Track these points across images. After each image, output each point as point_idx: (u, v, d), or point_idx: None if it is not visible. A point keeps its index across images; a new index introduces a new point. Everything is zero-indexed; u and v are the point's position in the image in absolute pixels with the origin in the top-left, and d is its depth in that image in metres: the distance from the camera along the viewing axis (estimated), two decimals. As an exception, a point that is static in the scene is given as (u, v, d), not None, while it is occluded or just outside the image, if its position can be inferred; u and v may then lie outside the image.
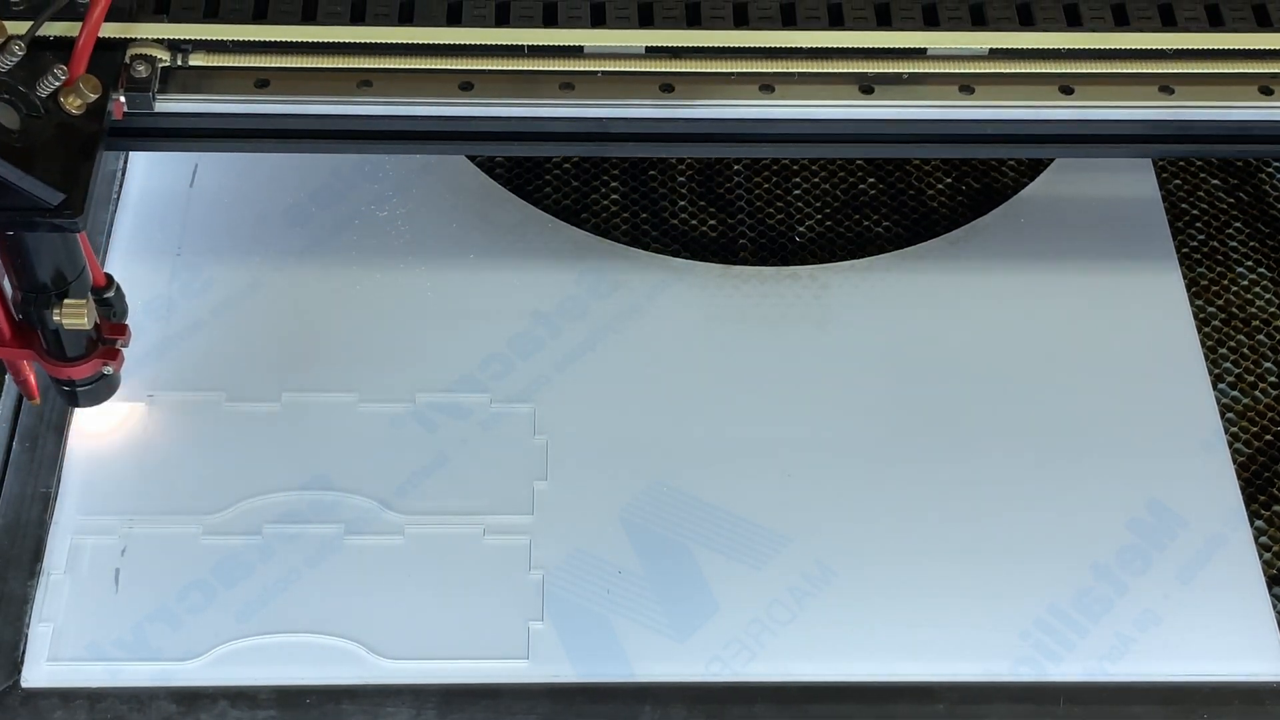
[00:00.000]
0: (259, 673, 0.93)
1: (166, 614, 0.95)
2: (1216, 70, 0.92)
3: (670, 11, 0.93)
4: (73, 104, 0.81)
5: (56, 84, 0.80)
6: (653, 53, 0.90)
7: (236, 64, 0.88)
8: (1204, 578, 0.98)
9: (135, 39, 0.87)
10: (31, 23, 0.83)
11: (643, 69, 0.90)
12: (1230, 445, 1.04)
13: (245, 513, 0.98)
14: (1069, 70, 0.91)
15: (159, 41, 0.87)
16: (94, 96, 0.81)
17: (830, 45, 0.91)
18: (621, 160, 1.18)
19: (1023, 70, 0.91)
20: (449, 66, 0.90)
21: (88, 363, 0.91)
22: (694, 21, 0.93)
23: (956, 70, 0.91)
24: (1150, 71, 0.91)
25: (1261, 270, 1.14)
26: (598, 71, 0.90)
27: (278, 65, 0.89)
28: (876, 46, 0.91)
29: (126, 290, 1.08)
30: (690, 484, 1.00)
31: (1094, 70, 0.91)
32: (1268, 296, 1.13)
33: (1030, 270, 1.11)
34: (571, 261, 1.11)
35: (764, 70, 0.90)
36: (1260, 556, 0.99)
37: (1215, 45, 0.92)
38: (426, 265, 1.10)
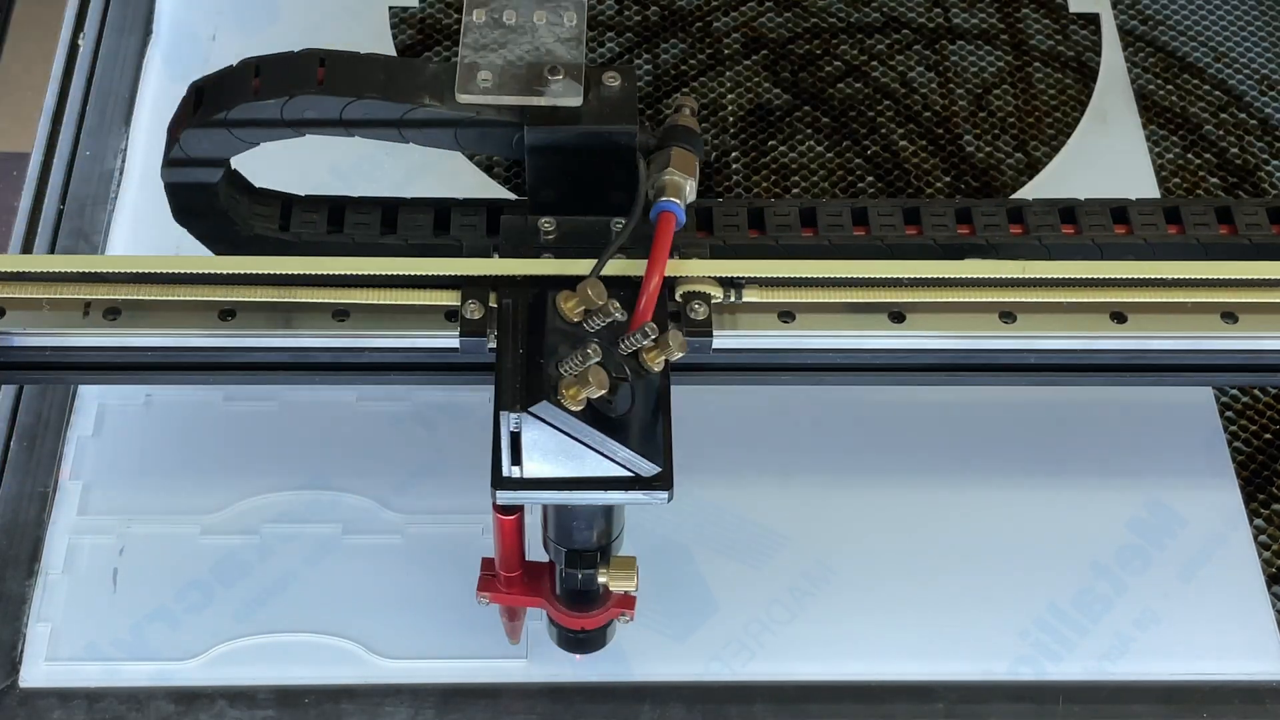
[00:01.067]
0: (257, 672, 0.93)
1: (165, 614, 0.94)
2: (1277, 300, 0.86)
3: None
4: (654, 360, 0.75)
5: (644, 342, 0.74)
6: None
7: (775, 299, 0.84)
8: (1204, 576, 0.98)
9: (683, 277, 0.83)
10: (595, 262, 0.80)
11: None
12: (1230, 444, 1.04)
13: (243, 512, 0.98)
14: (1123, 299, 0.86)
15: (713, 279, 0.84)
16: (680, 354, 0.75)
17: (857, 276, 0.86)
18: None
19: (1071, 300, 0.86)
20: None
21: (605, 612, 0.88)
22: (705, 228, 0.91)
23: (996, 299, 0.86)
24: (1210, 301, 0.86)
25: (1261, 269, 1.14)
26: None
27: (809, 300, 0.85)
28: (908, 277, 0.85)
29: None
30: (689, 483, 1.00)
31: (1150, 299, 0.86)
32: (1267, 295, 1.13)
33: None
34: (570, 260, 1.11)
35: (785, 301, 0.86)
36: (1260, 555, 0.99)
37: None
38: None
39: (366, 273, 0.85)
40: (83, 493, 0.99)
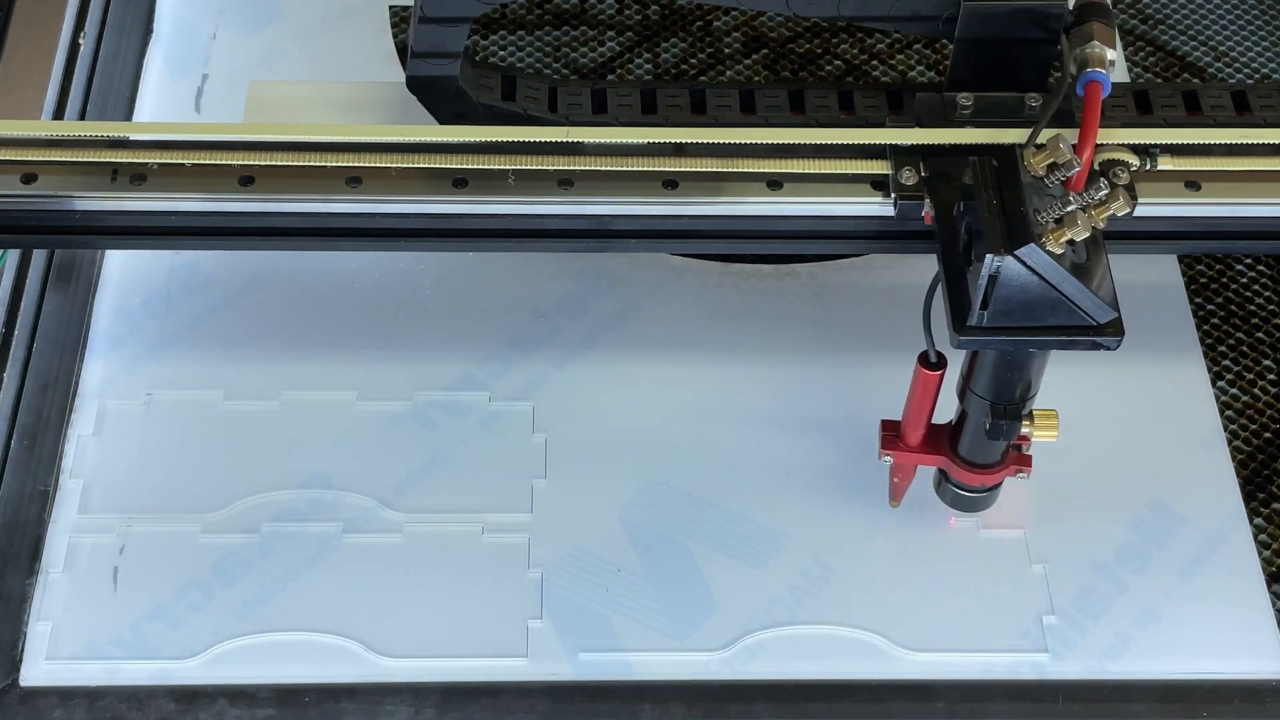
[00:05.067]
0: (258, 671, 0.93)
1: (165, 612, 0.94)
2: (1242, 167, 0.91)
3: (674, 100, 0.95)
4: (1100, 216, 0.80)
5: (1095, 198, 0.79)
6: (655, 148, 0.90)
7: (1187, 167, 0.89)
8: (1204, 575, 0.98)
9: (1101, 144, 0.87)
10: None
11: (644, 168, 0.90)
12: (1230, 443, 1.04)
13: (244, 511, 0.98)
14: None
15: (1128, 146, 0.89)
16: (1127, 210, 0.80)
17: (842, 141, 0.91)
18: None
19: None
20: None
21: (1004, 469, 0.93)
22: (699, 109, 0.95)
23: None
24: (1178, 169, 0.91)
25: (1261, 267, 1.14)
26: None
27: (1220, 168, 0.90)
28: (889, 142, 0.90)
29: (125, 286, 1.09)
30: (689, 482, 1.00)
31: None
32: (1267, 294, 1.13)
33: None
34: (570, 259, 1.11)
35: (772, 170, 0.90)
36: (1260, 554, 0.99)
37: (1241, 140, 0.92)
38: (425, 263, 1.10)
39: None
40: (83, 492, 0.99)
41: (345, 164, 0.90)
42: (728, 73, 1.24)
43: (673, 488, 1.00)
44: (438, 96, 0.98)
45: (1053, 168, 0.82)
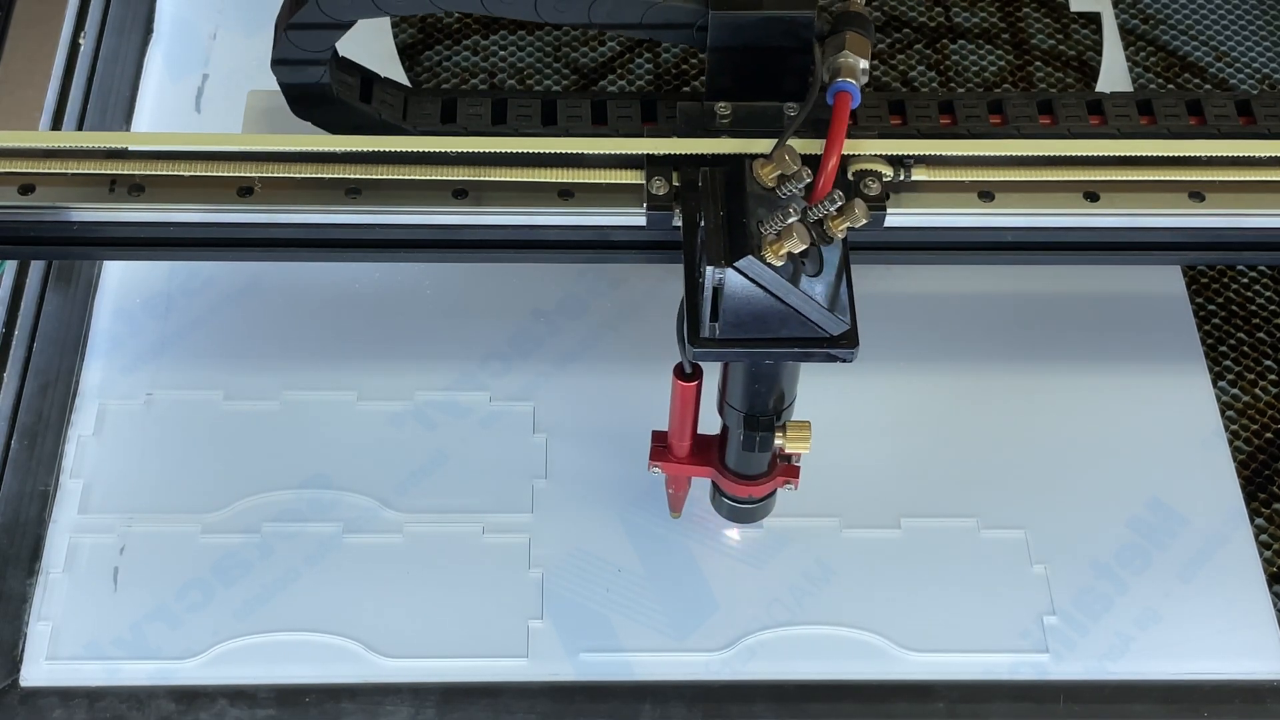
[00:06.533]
0: (258, 671, 0.93)
1: (165, 613, 0.94)
2: (1248, 177, 0.91)
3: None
4: (838, 228, 0.79)
5: (830, 209, 0.79)
6: (654, 161, 0.90)
7: (958, 178, 0.90)
8: (1204, 576, 0.98)
9: (855, 155, 0.88)
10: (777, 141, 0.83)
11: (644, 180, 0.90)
12: (1230, 443, 1.04)
13: (244, 511, 0.98)
14: (1098, 177, 0.90)
15: (881, 157, 0.89)
16: (864, 221, 0.79)
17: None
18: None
19: (1049, 178, 0.90)
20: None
21: (771, 481, 0.93)
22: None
23: (979, 178, 0.90)
24: (1180, 179, 0.90)
25: (1261, 268, 1.14)
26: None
27: (1001, 179, 0.90)
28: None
29: (125, 287, 1.09)
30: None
31: (1121, 177, 0.90)
32: (1268, 294, 1.13)
33: (1030, 268, 1.11)
34: (571, 259, 1.11)
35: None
36: (1260, 554, 0.99)
37: (1246, 152, 0.91)
38: (426, 263, 1.10)
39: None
40: (83, 492, 0.99)
41: (344, 175, 0.90)
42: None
43: (673, 488, 1.00)
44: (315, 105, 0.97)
45: (782, 179, 0.80)
